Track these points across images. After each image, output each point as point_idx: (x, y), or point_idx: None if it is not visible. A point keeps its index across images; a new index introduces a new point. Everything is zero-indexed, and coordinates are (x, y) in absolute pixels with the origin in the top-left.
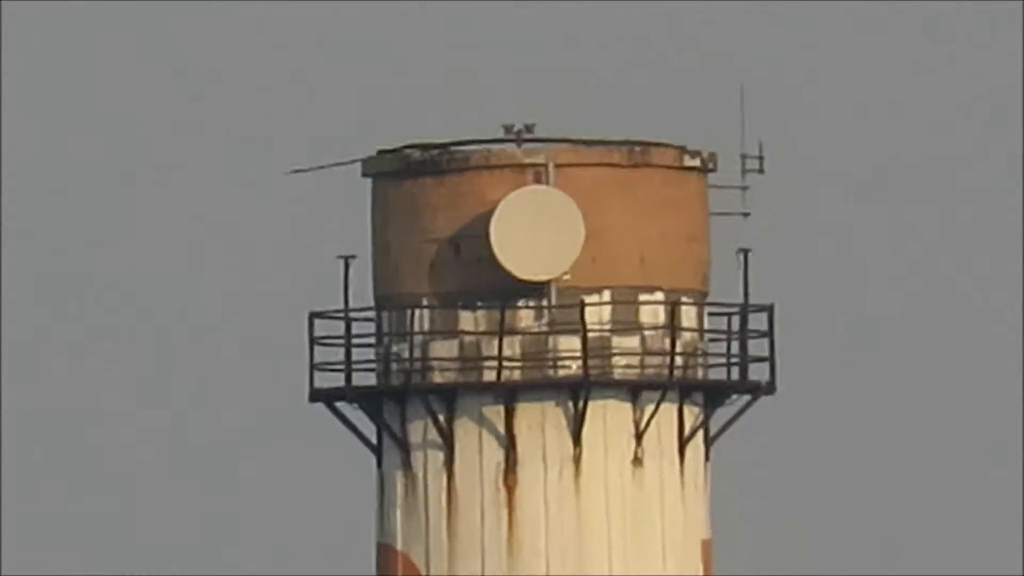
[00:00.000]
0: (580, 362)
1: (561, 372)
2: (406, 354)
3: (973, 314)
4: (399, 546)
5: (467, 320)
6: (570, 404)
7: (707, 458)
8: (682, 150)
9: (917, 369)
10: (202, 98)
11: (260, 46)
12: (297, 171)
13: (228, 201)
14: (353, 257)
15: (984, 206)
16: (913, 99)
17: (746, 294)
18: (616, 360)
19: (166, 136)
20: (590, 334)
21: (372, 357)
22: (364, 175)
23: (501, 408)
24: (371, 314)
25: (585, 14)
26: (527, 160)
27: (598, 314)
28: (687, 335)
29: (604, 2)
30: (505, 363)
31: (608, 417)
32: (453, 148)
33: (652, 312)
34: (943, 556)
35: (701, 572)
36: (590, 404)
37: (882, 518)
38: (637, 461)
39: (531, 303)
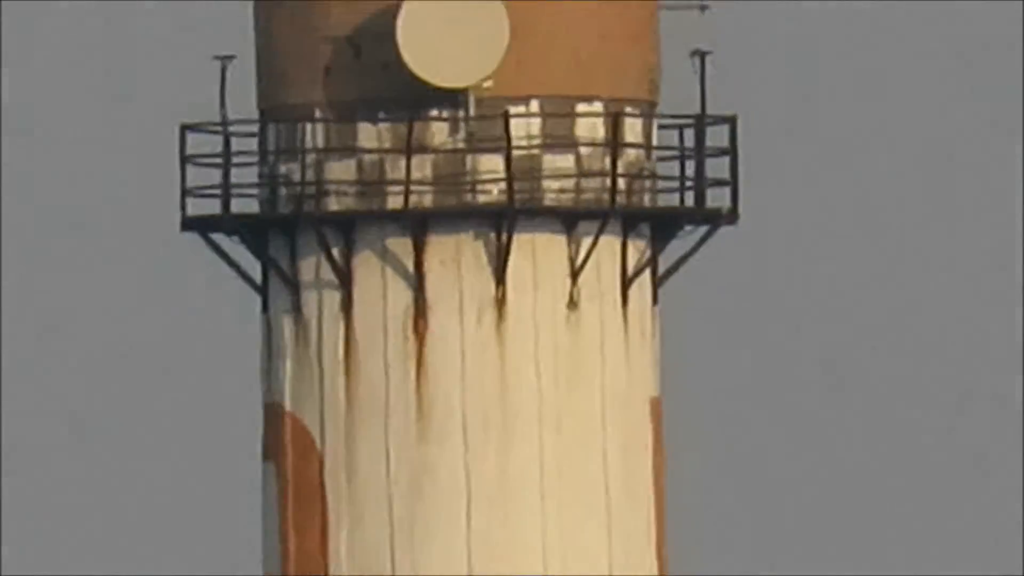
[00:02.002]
0: (504, 186)
1: (481, 198)
2: (296, 176)
3: (966, 123)
4: (288, 406)
5: (368, 135)
6: (492, 236)
7: (655, 301)
8: None
9: (901, 192)
10: None
11: None
12: None
13: None
14: (231, 58)
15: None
16: None
17: (703, 104)
18: (547, 184)
19: None
20: (516, 152)
21: (255, 179)
22: None
23: (409, 241)
24: (254, 128)
25: None
26: None
27: (525, 128)
28: (632, 153)
29: None
30: (413, 187)
31: (537, 252)
32: None
33: (590, 125)
34: (926, 418)
35: (650, 436)
36: (516, 237)
37: (857, 370)
38: (572, 304)
39: (445, 115)
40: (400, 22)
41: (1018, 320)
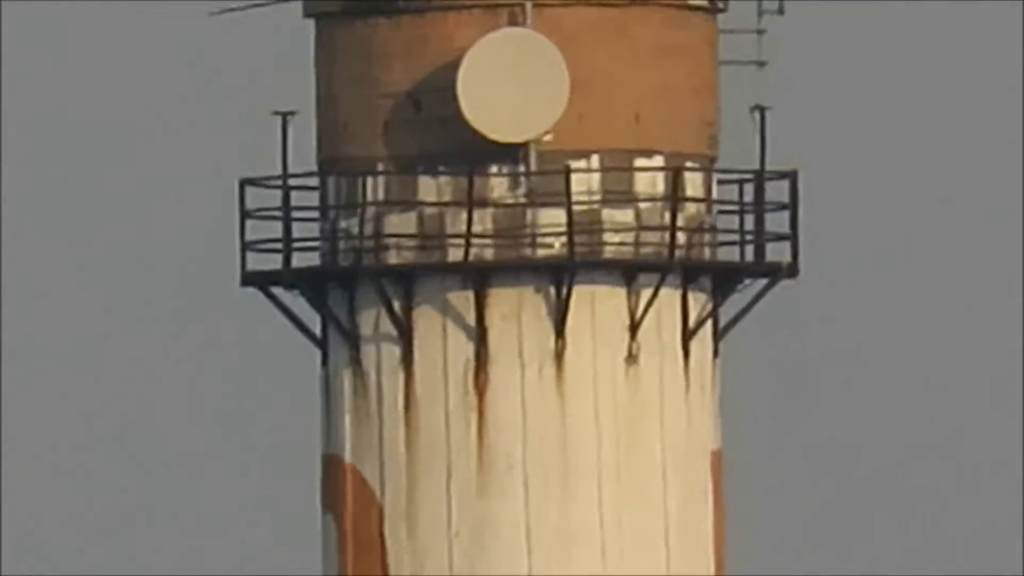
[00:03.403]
0: (564, 239)
1: (541, 251)
2: (356, 229)
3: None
4: (348, 458)
5: (428, 189)
6: (552, 289)
7: (716, 354)
8: None
9: (960, 247)
10: None
11: None
12: (226, 11)
13: (143, 46)
14: (293, 113)
15: None
16: None
17: (763, 159)
18: (607, 237)
19: None
20: (576, 206)
21: (315, 233)
22: (306, 15)
23: (470, 294)
24: (314, 181)
25: None
26: None
27: (586, 182)
28: (692, 207)
29: None
30: (474, 240)
31: (597, 305)
32: None
33: (650, 180)
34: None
35: (710, 489)
36: (576, 289)
37: (916, 423)
38: (632, 358)
39: (505, 169)
40: (460, 77)
41: None
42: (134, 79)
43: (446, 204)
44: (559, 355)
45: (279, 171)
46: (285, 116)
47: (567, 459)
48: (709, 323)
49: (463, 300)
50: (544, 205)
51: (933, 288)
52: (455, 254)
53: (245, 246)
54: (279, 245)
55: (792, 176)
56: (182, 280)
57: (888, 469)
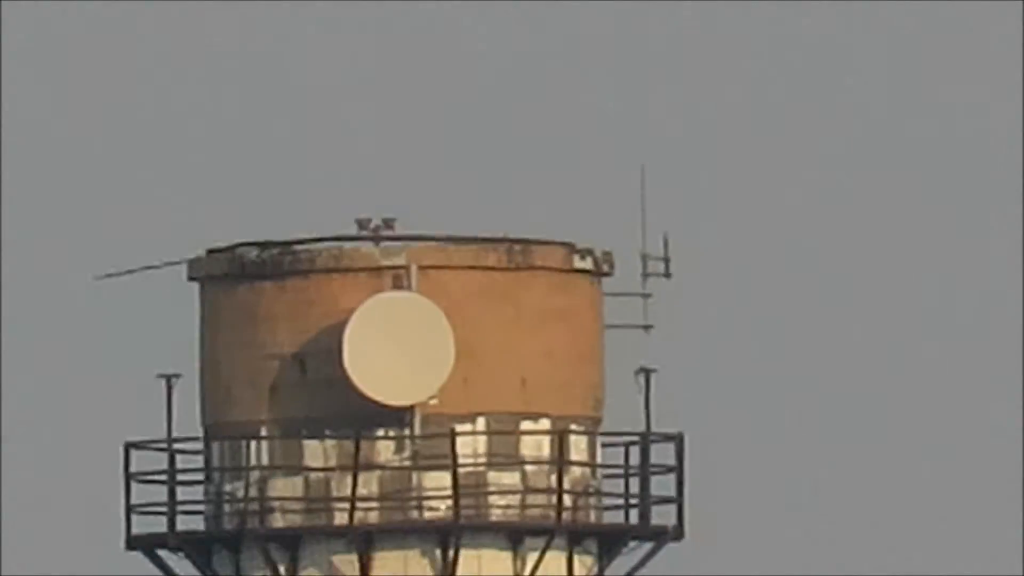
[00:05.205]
0: (450, 502)
1: (428, 514)
2: (240, 493)
3: (918, 427)
4: None
5: (314, 453)
6: (438, 552)
7: None
8: (571, 249)
9: (857, 512)
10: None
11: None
12: (110, 275)
13: (28, 313)
14: (177, 376)
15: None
16: (835, 176)
17: (648, 421)
18: (493, 500)
19: None
20: (462, 469)
21: (200, 497)
22: (190, 279)
23: (355, 557)
24: (199, 445)
25: (448, 83)
26: (385, 261)
27: (472, 445)
28: (577, 470)
29: (473, 69)
30: (360, 504)
31: (484, 568)
32: (297, 247)
33: (535, 443)
34: None
35: None
36: (462, 552)
37: None
38: None
39: (391, 432)
40: (345, 340)
41: None
42: (20, 339)
43: (332, 468)
44: None
45: (164, 435)
46: (170, 379)
47: None
48: None
49: (348, 563)
50: (430, 468)
51: (825, 549)
52: (341, 517)
53: (130, 509)
54: (164, 509)
55: (678, 439)
56: (67, 543)
57: None
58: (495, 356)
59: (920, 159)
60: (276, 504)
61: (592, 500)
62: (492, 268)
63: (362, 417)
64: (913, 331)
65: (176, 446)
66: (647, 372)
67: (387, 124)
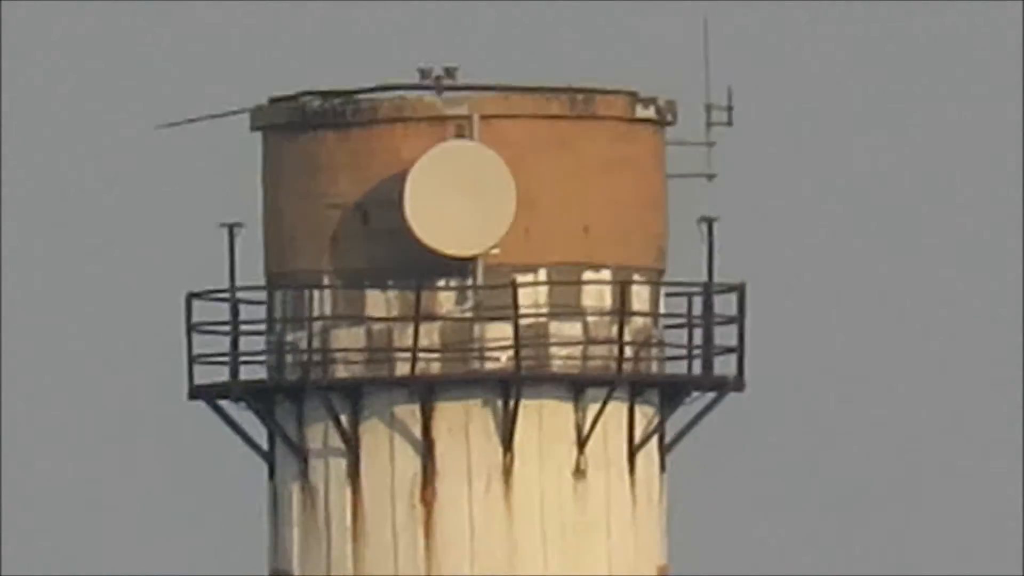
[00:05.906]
0: (511, 353)
1: (489, 365)
2: (303, 344)
3: (977, 283)
4: (296, 572)
5: (376, 303)
6: (499, 403)
7: (663, 468)
8: (634, 98)
9: (913, 360)
10: (57, 38)
11: None
12: (172, 125)
13: (90, 158)
14: (239, 226)
15: (986, 171)
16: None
17: (710, 272)
18: (554, 351)
19: (13, 86)
20: (523, 320)
21: (262, 347)
22: (253, 128)
23: (417, 408)
24: (261, 295)
25: None
26: (447, 111)
27: (533, 296)
28: (639, 321)
29: None
30: (421, 354)
31: (545, 419)
32: (359, 96)
33: (597, 293)
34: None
35: None
36: (523, 403)
37: (869, 535)
38: (579, 472)
39: (453, 283)
40: (407, 190)
41: None
42: (80, 192)
43: (394, 319)
44: (507, 470)
45: (226, 284)
46: (232, 229)
47: (515, 573)
48: (656, 437)
49: (410, 414)
50: (491, 319)
51: (882, 400)
52: (403, 368)
53: (192, 359)
54: (226, 359)
55: (740, 289)
56: (129, 393)
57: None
58: (557, 206)
59: None
60: (338, 355)
61: (654, 351)
62: (554, 117)
63: (423, 268)
64: None
65: (238, 296)
66: (710, 221)
67: None
